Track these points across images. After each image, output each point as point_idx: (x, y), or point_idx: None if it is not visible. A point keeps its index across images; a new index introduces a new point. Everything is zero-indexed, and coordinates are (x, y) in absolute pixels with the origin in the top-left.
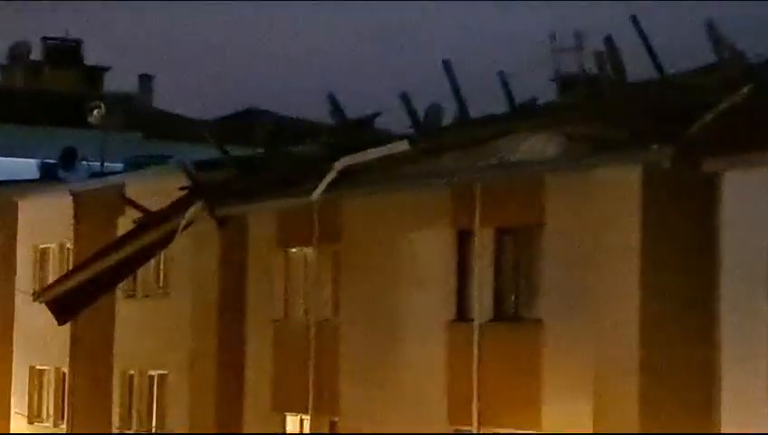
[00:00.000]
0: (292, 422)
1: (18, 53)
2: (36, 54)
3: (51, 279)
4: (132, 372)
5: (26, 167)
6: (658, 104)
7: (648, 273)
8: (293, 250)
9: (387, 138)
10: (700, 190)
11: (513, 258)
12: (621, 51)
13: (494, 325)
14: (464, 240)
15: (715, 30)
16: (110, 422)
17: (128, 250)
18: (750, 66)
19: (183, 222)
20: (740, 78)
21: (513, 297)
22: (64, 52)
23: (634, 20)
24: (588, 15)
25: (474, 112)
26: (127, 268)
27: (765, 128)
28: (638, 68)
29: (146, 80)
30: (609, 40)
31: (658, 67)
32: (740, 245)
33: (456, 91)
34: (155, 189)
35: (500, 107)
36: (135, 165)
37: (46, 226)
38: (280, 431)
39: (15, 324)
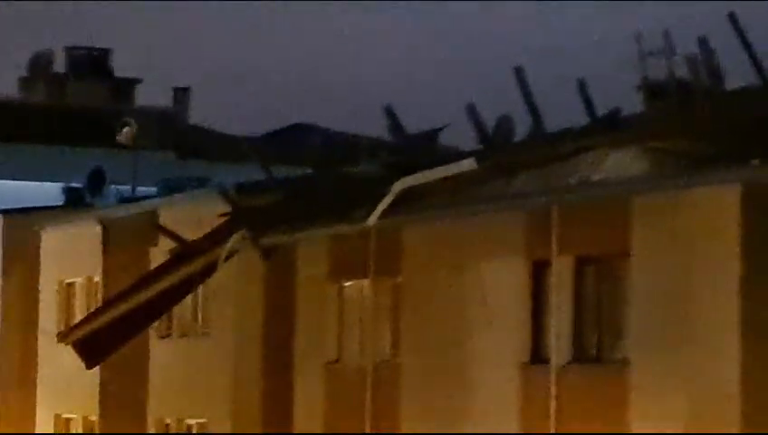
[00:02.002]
0: None
1: (39, 64)
2: (60, 66)
3: (77, 318)
4: (169, 421)
5: (50, 192)
6: (759, 114)
7: (750, 306)
8: (348, 284)
9: (452, 155)
10: None
11: (595, 291)
12: (718, 54)
13: (573, 368)
14: (539, 271)
15: None
16: None
17: (162, 285)
18: None
19: (223, 253)
20: None
21: (595, 336)
22: (91, 62)
23: (732, 18)
24: (679, 14)
25: (549, 126)
26: (161, 305)
27: None
28: (736, 73)
29: (181, 93)
30: (703, 41)
31: (760, 72)
32: None
33: (530, 101)
34: (192, 216)
35: (579, 119)
36: (169, 189)
37: (72, 258)
38: None
39: (39, 369)
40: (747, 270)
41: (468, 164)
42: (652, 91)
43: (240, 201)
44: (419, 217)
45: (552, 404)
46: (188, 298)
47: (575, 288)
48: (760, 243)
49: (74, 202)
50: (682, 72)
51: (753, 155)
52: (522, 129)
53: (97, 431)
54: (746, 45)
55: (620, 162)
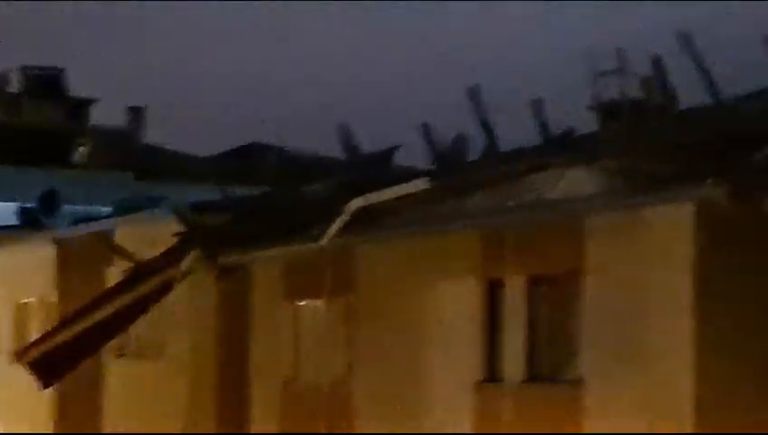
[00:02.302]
0: None
1: None
2: (14, 86)
3: (32, 338)
4: None
5: (4, 212)
6: (714, 133)
7: (704, 325)
8: (302, 303)
9: (406, 175)
10: (762, 231)
11: (549, 310)
12: (671, 73)
13: (528, 386)
14: (493, 290)
15: None
16: None
17: (117, 305)
18: None
19: (179, 273)
20: None
21: (549, 354)
22: (46, 82)
23: (684, 38)
24: (632, 33)
25: (503, 145)
26: (117, 325)
27: None
28: (690, 92)
29: (136, 112)
30: (656, 61)
31: (713, 90)
32: None
33: (484, 120)
34: (147, 236)
35: (533, 138)
36: (125, 209)
37: (26, 278)
38: None
39: None
40: (700, 288)
41: (422, 184)
42: (605, 110)
43: (195, 221)
44: (374, 236)
45: (507, 422)
46: (144, 318)
47: (529, 307)
48: (713, 262)
49: (28, 223)
50: (635, 91)
51: (706, 174)
52: (476, 148)
53: None
54: (699, 64)
55: (574, 182)
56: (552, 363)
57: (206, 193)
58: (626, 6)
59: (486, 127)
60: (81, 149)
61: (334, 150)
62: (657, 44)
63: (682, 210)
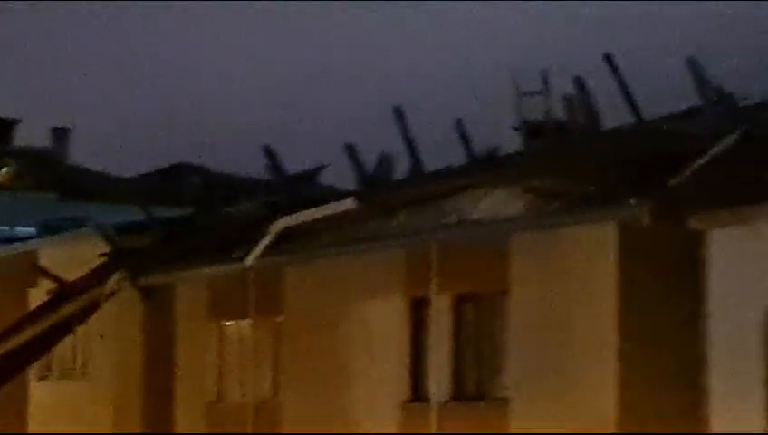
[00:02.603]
0: None
1: None
2: None
3: None
4: None
5: None
6: (636, 154)
7: (627, 343)
8: (228, 323)
9: (331, 195)
10: (684, 249)
11: (474, 329)
12: (594, 93)
13: (453, 405)
14: (419, 309)
15: (698, 69)
16: None
17: (41, 326)
18: (739, 110)
19: (103, 294)
20: (728, 123)
21: (475, 373)
22: None
23: (608, 59)
24: (556, 54)
25: (428, 165)
26: (40, 346)
27: (756, 179)
28: (612, 113)
29: (60, 133)
30: (579, 81)
31: (636, 111)
32: (728, 310)
33: (409, 141)
34: (71, 257)
35: (458, 158)
36: (49, 229)
37: None
38: None
39: None
40: (624, 306)
41: (348, 203)
42: (530, 130)
43: (120, 241)
44: (299, 256)
45: None
46: (68, 339)
47: (454, 326)
48: (636, 280)
49: None
50: (559, 111)
51: (629, 194)
52: (401, 168)
53: None
54: (622, 85)
55: (498, 201)
56: (477, 382)
57: (132, 214)
58: (551, 28)
59: (411, 147)
60: (4, 169)
61: (259, 171)
62: (581, 66)
63: (605, 229)
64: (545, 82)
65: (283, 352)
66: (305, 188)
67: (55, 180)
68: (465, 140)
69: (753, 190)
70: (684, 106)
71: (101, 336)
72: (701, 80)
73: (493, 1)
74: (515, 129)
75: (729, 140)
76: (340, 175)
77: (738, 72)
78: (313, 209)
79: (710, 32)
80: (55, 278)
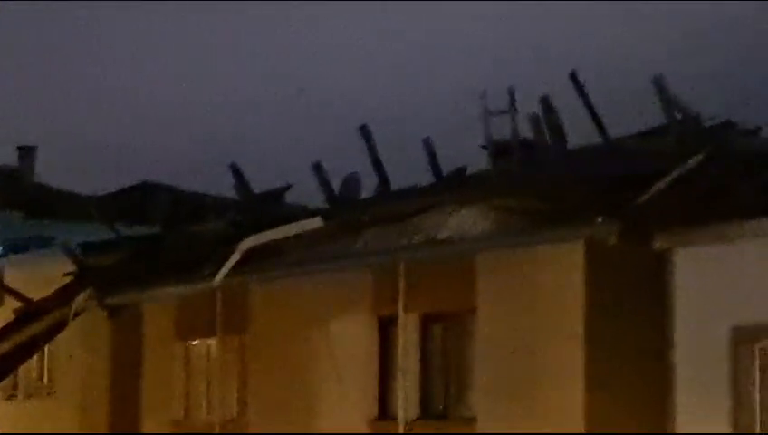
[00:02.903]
0: None
1: None
2: None
3: None
4: None
5: None
6: (602, 172)
7: (594, 361)
8: (194, 342)
9: (298, 213)
10: (650, 268)
11: (441, 348)
12: (560, 112)
13: (421, 424)
14: (386, 328)
15: (664, 88)
16: None
17: (7, 345)
18: (705, 129)
19: (70, 312)
20: (694, 142)
21: (442, 392)
22: None
23: (573, 77)
24: (522, 73)
25: (395, 184)
26: (7, 365)
27: (722, 198)
28: (578, 132)
29: (26, 151)
30: (545, 100)
31: (602, 130)
32: (695, 329)
33: (376, 159)
34: (37, 276)
35: (425, 177)
36: (14, 248)
37: None
38: None
39: None
40: (590, 325)
41: (315, 222)
42: (497, 149)
43: (86, 260)
44: (266, 275)
45: None
46: (34, 358)
47: (422, 345)
48: (603, 298)
49: None
50: (526, 130)
51: (595, 212)
52: (368, 187)
53: None
54: (588, 104)
55: (466, 220)
56: (445, 401)
57: (98, 233)
58: (517, 47)
59: (378, 165)
60: None
61: (226, 190)
62: (547, 85)
63: (572, 248)
64: (512, 101)
65: (250, 371)
66: (272, 207)
67: (21, 199)
68: (432, 158)
69: (717, 210)
70: (649, 125)
71: (70, 356)
72: (666, 99)
73: (458, 19)
74: (482, 147)
75: (694, 160)
76: (307, 194)
77: (703, 92)
78: (281, 228)
79: (676, 51)
80: (21, 297)
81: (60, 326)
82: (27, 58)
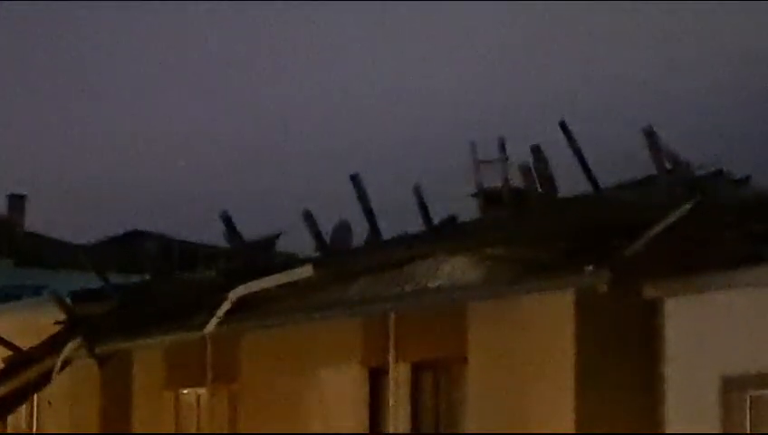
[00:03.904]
0: None
1: None
2: None
3: None
4: None
5: None
6: (593, 221)
7: (585, 410)
8: (185, 392)
9: (289, 262)
10: (640, 317)
11: (432, 397)
12: (550, 161)
13: None
14: (376, 378)
15: (654, 138)
16: None
17: None
18: (695, 178)
19: (59, 361)
20: (684, 192)
21: None
22: None
23: (563, 127)
24: (512, 122)
25: (386, 232)
26: None
27: (711, 247)
28: (569, 181)
29: (16, 200)
30: (536, 149)
31: (592, 180)
32: (685, 379)
33: (367, 208)
34: (27, 324)
35: (415, 226)
36: (4, 296)
37: None
38: None
39: None
40: (581, 374)
41: (305, 271)
42: (487, 197)
43: (76, 309)
44: (257, 324)
45: None
46: (23, 407)
47: (412, 394)
48: (593, 347)
49: None
50: (516, 179)
51: (586, 262)
52: (359, 236)
53: None
54: (578, 154)
55: (456, 269)
56: None
57: (88, 281)
58: (508, 97)
59: (369, 214)
60: None
61: (217, 238)
62: (538, 134)
63: (562, 297)
64: (502, 149)
65: (240, 421)
66: (263, 256)
67: (11, 247)
68: (422, 207)
69: (707, 259)
70: (639, 175)
71: (60, 405)
72: (656, 149)
73: (450, 67)
74: (473, 196)
75: (684, 209)
76: (297, 242)
77: (693, 141)
78: (271, 277)
79: (665, 102)
80: (11, 346)
81: (49, 375)
82: (16, 108)
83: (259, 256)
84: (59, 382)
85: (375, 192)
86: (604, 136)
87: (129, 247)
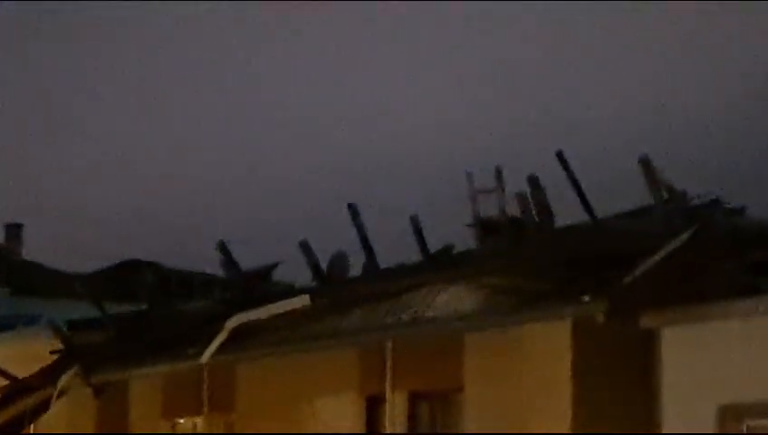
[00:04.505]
0: None
1: None
2: None
3: None
4: None
5: None
6: (590, 251)
7: None
8: (181, 421)
9: (285, 292)
10: (637, 347)
11: (429, 426)
12: (547, 191)
13: None
14: (373, 407)
15: (650, 168)
16: None
17: None
18: (691, 208)
19: (56, 391)
20: (681, 221)
21: None
22: None
23: (560, 157)
24: (509, 152)
25: (383, 262)
26: None
27: (708, 277)
28: (566, 211)
29: (14, 229)
30: (532, 179)
31: (589, 209)
32: (682, 408)
33: (364, 238)
34: (24, 354)
35: (412, 256)
36: (1, 326)
37: None
38: None
39: None
40: (578, 403)
41: (302, 300)
42: (484, 227)
43: (73, 338)
44: (254, 353)
45: None
46: None
47: (409, 423)
48: (590, 376)
49: None
50: (513, 209)
51: (583, 291)
52: (356, 265)
53: None
54: (575, 183)
55: (453, 299)
56: None
57: (85, 311)
58: (505, 126)
59: (366, 244)
60: None
61: (214, 267)
62: (535, 164)
63: (559, 327)
64: (499, 179)
65: None
66: (260, 285)
67: (8, 276)
68: (419, 237)
69: (704, 289)
70: (636, 205)
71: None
72: (653, 178)
73: (445, 97)
74: (470, 226)
75: (680, 239)
76: (294, 271)
77: (689, 171)
78: (268, 306)
79: (661, 131)
80: (7, 375)
81: (46, 404)
82: (15, 136)
83: (256, 285)
84: (56, 412)
85: (372, 222)
86: (601, 166)
87: (125, 277)
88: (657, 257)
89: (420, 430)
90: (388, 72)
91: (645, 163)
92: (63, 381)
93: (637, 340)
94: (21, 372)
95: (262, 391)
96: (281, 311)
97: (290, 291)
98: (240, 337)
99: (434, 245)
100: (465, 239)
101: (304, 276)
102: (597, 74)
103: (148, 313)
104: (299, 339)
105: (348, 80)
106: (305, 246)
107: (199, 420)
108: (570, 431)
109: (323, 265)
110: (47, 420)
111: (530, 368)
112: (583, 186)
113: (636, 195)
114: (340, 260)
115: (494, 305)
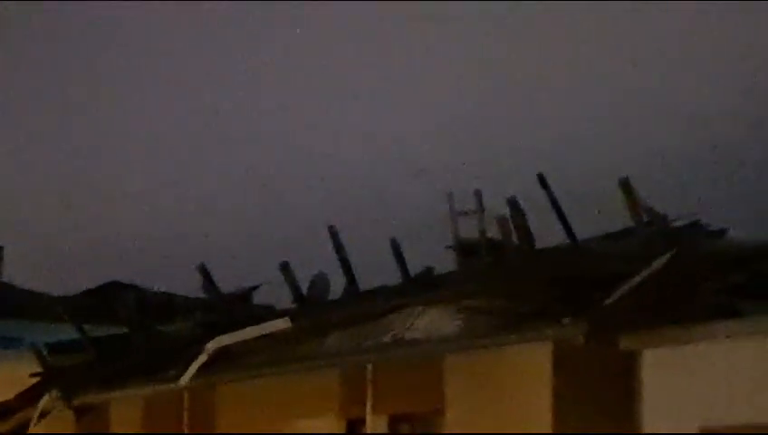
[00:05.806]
0: None
1: None
2: None
3: None
4: None
5: None
6: (570, 273)
7: None
8: None
9: (266, 314)
10: (618, 369)
11: None
12: (527, 213)
13: None
14: (354, 430)
15: (630, 190)
16: None
17: None
18: (671, 230)
19: (35, 413)
20: (661, 243)
21: None
22: None
23: (541, 179)
24: (489, 175)
25: (363, 284)
26: None
27: (688, 299)
28: (546, 233)
29: None
30: (512, 202)
31: (569, 231)
32: (663, 430)
33: (343, 259)
34: (3, 376)
35: (392, 278)
36: None
37: None
38: None
39: None
40: (559, 426)
41: (283, 323)
42: (464, 249)
43: (52, 361)
44: (234, 376)
45: None
46: None
47: None
48: (571, 399)
49: None
50: (493, 231)
51: (563, 313)
52: (336, 288)
53: None
54: (555, 206)
55: (433, 321)
56: None
57: (65, 333)
58: (485, 150)
59: (346, 266)
60: None
61: (194, 290)
62: (515, 186)
63: (539, 349)
64: (479, 201)
65: None
66: (240, 308)
67: None
68: (399, 259)
69: (684, 311)
70: (616, 227)
71: None
72: (633, 201)
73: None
74: (450, 248)
75: (661, 261)
76: (275, 294)
77: (669, 193)
78: (248, 329)
79: (642, 154)
80: None
81: (26, 427)
82: None
83: (236, 308)
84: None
85: (352, 244)
86: (582, 188)
87: (105, 299)
88: (637, 279)
89: None
90: (369, 95)
91: (625, 185)
92: (44, 403)
93: (617, 362)
94: (0, 395)
95: (242, 414)
96: (261, 333)
97: (270, 313)
98: (220, 360)
99: (414, 267)
100: (445, 262)
101: (285, 299)
102: (578, 97)
103: (129, 335)
104: (279, 361)
105: (328, 104)
106: (285, 269)
107: None
108: None
109: (304, 288)
110: None
111: (510, 390)
112: (564, 208)
113: (616, 217)
114: (320, 282)
115: (475, 328)
